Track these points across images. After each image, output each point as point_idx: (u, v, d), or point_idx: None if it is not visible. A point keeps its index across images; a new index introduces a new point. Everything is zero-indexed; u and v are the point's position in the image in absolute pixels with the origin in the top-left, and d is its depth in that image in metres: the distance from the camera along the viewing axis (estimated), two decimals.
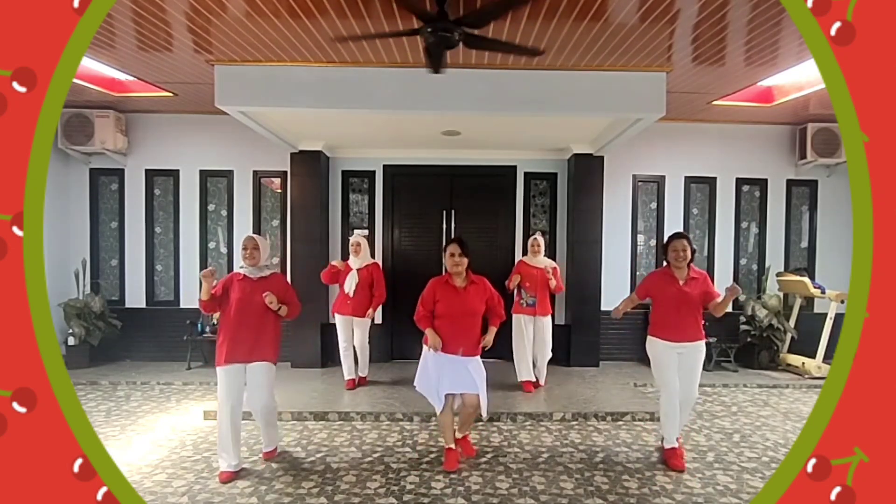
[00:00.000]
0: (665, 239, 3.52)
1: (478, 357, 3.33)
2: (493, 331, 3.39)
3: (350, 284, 4.88)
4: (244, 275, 3.27)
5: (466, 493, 2.99)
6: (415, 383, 3.42)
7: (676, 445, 3.40)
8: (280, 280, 3.38)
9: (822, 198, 6.30)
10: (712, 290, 3.39)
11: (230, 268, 5.96)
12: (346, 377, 4.99)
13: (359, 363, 5.09)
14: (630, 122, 4.56)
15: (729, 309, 6.00)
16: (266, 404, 3.30)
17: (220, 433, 3.18)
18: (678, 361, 3.35)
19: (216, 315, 5.72)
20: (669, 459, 3.38)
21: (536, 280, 4.81)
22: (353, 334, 5.00)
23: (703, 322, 3.43)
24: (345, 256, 5.43)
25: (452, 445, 3.39)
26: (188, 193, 6.10)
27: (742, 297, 3.43)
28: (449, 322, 3.26)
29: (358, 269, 4.92)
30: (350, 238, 5.14)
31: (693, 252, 3.36)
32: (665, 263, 3.45)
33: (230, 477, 3.16)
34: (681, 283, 3.33)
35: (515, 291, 4.90)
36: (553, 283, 4.79)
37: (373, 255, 6.04)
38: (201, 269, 5.95)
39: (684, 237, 3.35)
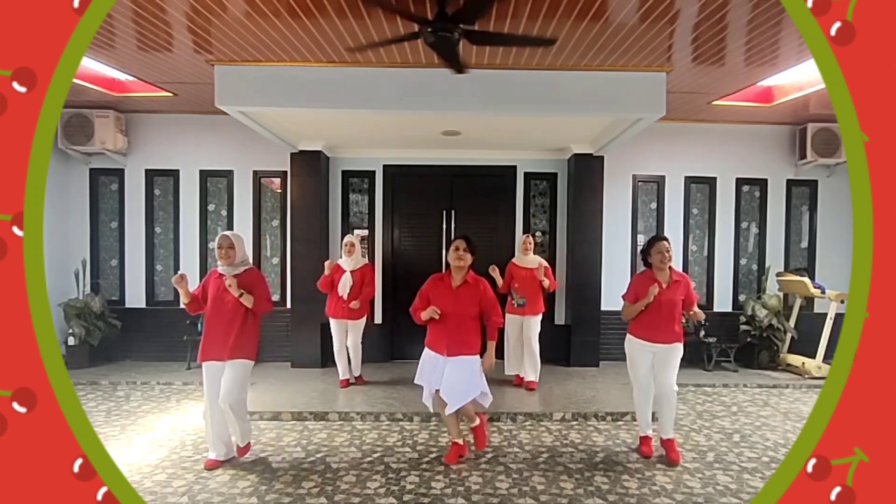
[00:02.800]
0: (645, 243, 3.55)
1: (464, 356, 3.25)
2: (491, 346, 3.33)
3: (344, 287, 4.88)
4: (220, 273, 3.30)
5: (466, 493, 2.99)
6: (415, 380, 3.51)
7: (649, 434, 3.59)
8: (252, 273, 3.33)
9: (822, 198, 6.30)
10: (693, 294, 3.48)
11: None
12: (341, 377, 5.07)
13: (352, 363, 5.11)
14: (630, 122, 4.56)
15: (728, 309, 6.16)
16: (237, 398, 3.27)
17: (205, 425, 3.37)
18: (652, 360, 3.45)
19: None
20: (641, 446, 3.60)
21: (525, 281, 4.90)
22: (346, 336, 5.02)
23: (683, 323, 3.51)
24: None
25: (459, 440, 3.44)
26: (188, 193, 6.10)
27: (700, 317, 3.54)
28: (436, 320, 3.27)
29: (351, 272, 4.93)
30: (344, 238, 5.08)
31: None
32: (644, 268, 3.51)
33: (213, 465, 3.31)
34: (664, 286, 3.39)
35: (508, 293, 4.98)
36: (546, 282, 4.89)
37: (371, 256, 6.05)
38: (201, 270, 6.07)
39: (665, 239, 3.42)
